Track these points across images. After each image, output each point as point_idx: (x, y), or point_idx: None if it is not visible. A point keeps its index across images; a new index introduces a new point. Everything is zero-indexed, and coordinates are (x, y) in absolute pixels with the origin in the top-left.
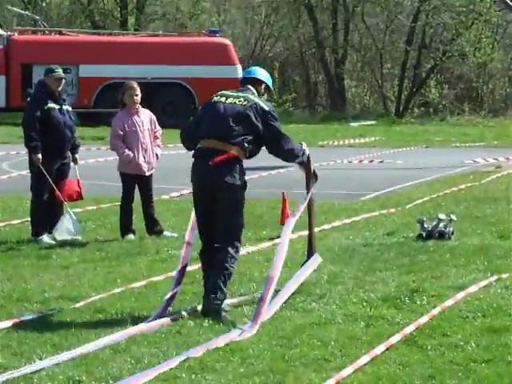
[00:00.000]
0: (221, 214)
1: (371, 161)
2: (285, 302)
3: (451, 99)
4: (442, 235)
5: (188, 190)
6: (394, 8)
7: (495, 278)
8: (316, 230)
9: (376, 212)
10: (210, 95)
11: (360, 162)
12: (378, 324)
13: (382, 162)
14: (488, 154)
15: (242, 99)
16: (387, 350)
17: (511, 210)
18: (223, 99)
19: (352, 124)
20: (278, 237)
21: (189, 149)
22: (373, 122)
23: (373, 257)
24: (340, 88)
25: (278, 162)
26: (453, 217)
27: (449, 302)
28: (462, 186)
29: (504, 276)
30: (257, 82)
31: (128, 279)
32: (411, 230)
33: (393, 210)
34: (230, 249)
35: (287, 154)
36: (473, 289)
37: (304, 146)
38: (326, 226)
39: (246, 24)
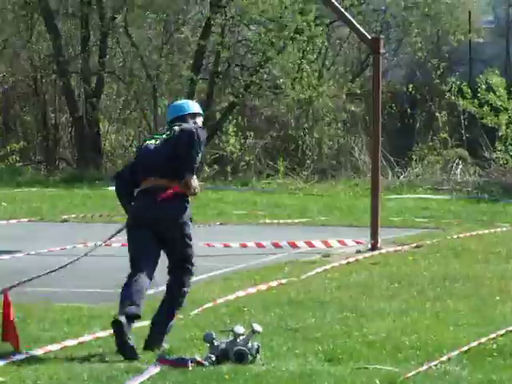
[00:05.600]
0: (172, 249)
1: None
2: None
3: (258, 153)
4: (241, 357)
5: None
6: (176, 17)
7: None
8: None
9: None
10: None
11: (124, 245)
12: None
13: None
14: (311, 234)
15: (168, 132)
16: None
17: (347, 318)
18: (152, 141)
19: (111, 188)
20: None
21: (126, 203)
22: None
23: None
24: (93, 134)
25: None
26: (257, 328)
27: None
28: (273, 283)
29: None
30: (194, 116)
31: None
32: (197, 350)
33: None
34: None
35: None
36: None
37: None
38: (56, 346)
39: None
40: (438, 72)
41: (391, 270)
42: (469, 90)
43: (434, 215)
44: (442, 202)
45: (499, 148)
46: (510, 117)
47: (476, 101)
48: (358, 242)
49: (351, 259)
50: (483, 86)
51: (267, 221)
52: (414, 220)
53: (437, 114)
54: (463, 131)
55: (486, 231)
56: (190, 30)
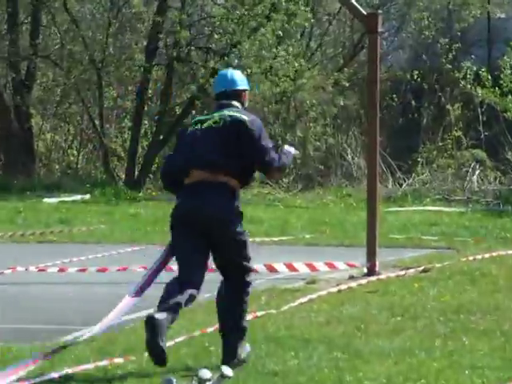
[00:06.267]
0: (223, 252)
1: (83, 269)
2: None
3: None
4: None
5: None
6: None
7: None
8: None
9: (90, 364)
10: None
11: (62, 270)
12: None
13: (103, 270)
14: (294, 256)
15: (217, 118)
16: None
17: (338, 359)
18: (198, 126)
19: (47, 200)
20: None
21: (168, 185)
22: (86, 197)
23: None
24: (23, 133)
25: None
26: (227, 372)
27: None
28: (247, 317)
29: None
30: (240, 94)
31: None
32: None
33: (120, 360)
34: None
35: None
36: None
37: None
38: None
39: None
40: (450, 55)
41: (392, 299)
42: (488, 77)
43: (445, 232)
44: (455, 215)
45: None
46: None
47: (497, 90)
48: (351, 266)
49: (343, 286)
50: (507, 71)
51: None
52: (421, 238)
53: (448, 107)
54: (481, 128)
55: (510, 252)
56: (144, 3)
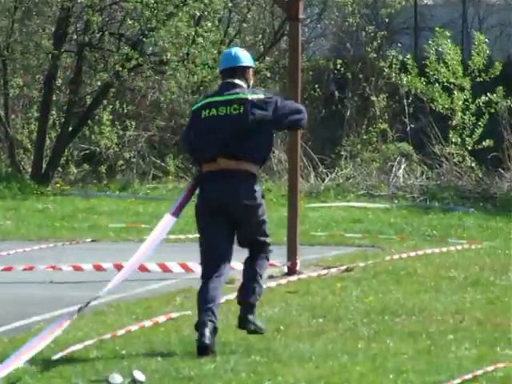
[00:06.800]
0: (248, 232)
1: None
2: None
3: (141, 149)
4: None
5: None
6: None
7: None
8: None
9: None
10: None
11: None
12: None
13: (8, 269)
14: None
15: (235, 105)
16: None
17: (257, 363)
18: (214, 111)
19: None
20: None
21: (197, 160)
22: None
23: None
24: None
25: None
26: (139, 377)
27: None
28: (161, 319)
29: None
30: (244, 71)
31: None
32: None
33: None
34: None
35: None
36: None
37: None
38: None
39: None
40: (375, 43)
41: (314, 300)
42: (414, 64)
43: (369, 229)
44: (379, 212)
45: (453, 141)
46: (467, 99)
47: (424, 79)
48: (270, 265)
49: None
50: (432, 57)
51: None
52: (344, 236)
53: (373, 98)
54: (407, 120)
55: (437, 250)
56: None
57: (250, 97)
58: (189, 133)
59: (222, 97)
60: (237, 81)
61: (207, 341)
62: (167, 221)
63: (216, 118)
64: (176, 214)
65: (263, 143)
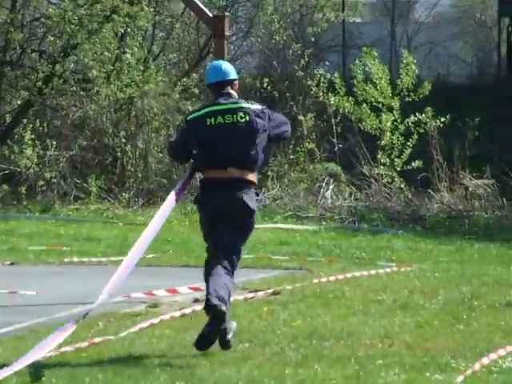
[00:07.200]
0: (229, 238)
1: None
2: None
3: (63, 169)
4: None
5: None
6: None
7: None
8: None
9: None
10: None
11: None
12: None
13: None
14: (135, 277)
15: (241, 114)
16: None
17: None
18: (220, 119)
19: None
20: None
21: (181, 162)
22: None
23: None
24: None
25: None
26: None
27: None
28: (83, 344)
29: None
30: (232, 83)
31: None
32: None
33: None
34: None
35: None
36: None
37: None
38: None
39: None
40: (302, 61)
41: (240, 324)
42: (342, 83)
43: (296, 251)
44: (307, 233)
45: (382, 161)
46: (395, 119)
47: (352, 98)
48: (195, 289)
49: (187, 310)
50: (360, 77)
51: (75, 259)
52: (271, 258)
53: (300, 118)
54: (335, 139)
55: (366, 273)
56: None
57: (251, 106)
58: (185, 141)
59: (223, 105)
60: (231, 91)
61: (214, 301)
62: (171, 199)
63: (224, 126)
64: (179, 195)
65: (260, 153)
